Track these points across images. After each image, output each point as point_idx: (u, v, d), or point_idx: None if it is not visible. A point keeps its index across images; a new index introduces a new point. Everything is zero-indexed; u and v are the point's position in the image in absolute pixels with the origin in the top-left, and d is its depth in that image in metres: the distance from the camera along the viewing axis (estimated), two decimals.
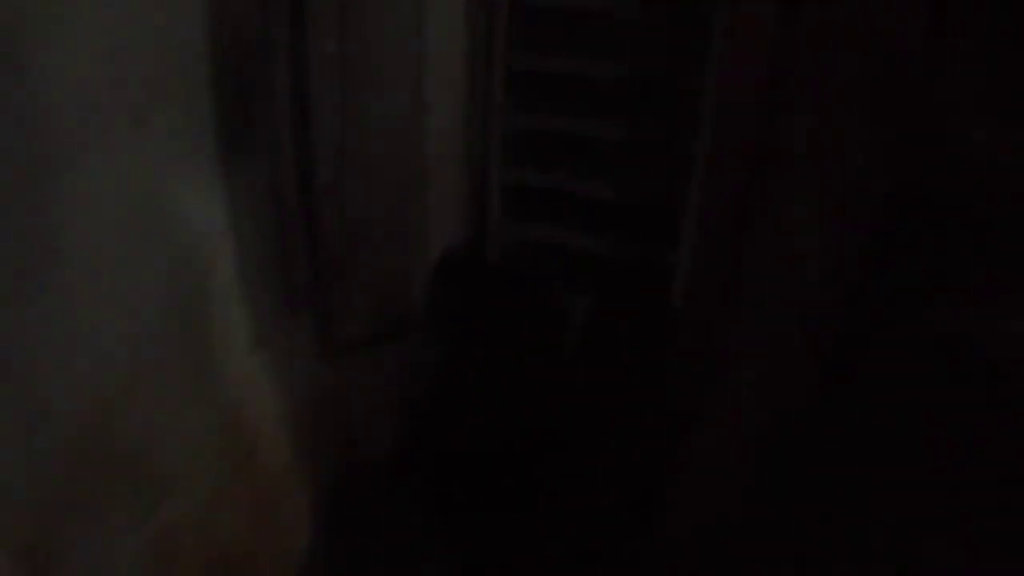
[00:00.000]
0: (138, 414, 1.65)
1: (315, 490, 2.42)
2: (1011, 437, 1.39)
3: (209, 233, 1.79)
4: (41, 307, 1.37)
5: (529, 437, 2.60)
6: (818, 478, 1.76)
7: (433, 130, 2.45)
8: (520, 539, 2.50)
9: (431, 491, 2.63)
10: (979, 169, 1.47)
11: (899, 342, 1.62)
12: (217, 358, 1.90)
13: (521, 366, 2.63)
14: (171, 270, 1.71)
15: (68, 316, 1.43)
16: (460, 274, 2.75)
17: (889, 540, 1.58)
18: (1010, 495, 1.39)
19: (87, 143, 1.40)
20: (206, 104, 1.70)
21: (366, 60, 2.04)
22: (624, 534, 2.41)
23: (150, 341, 1.65)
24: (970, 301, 1.50)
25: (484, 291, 2.84)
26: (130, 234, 1.56)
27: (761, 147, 1.95)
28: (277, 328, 2.04)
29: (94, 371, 1.52)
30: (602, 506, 2.51)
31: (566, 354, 2.77)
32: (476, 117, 2.69)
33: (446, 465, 2.66)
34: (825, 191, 1.78)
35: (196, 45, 1.64)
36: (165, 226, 1.66)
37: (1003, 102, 1.43)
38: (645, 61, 2.54)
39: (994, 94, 1.44)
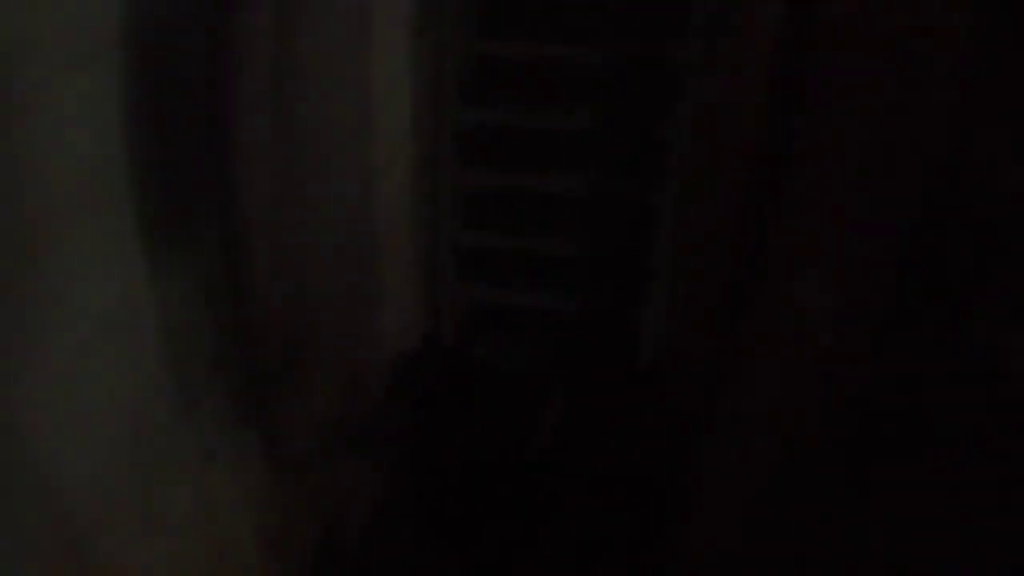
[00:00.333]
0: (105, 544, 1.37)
1: None
2: None
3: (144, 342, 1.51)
4: None
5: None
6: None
7: (382, 196, 2.22)
8: None
9: None
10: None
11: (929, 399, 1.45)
12: (166, 479, 1.61)
13: (491, 472, 2.38)
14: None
15: None
16: (421, 374, 2.50)
17: None
18: None
19: None
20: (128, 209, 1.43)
21: (306, 135, 1.79)
22: None
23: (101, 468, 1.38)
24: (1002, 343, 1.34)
25: (447, 393, 2.58)
26: None
27: (759, 220, 1.77)
28: (226, 444, 1.75)
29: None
30: None
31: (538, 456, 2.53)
32: (426, 177, 2.46)
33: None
34: (839, 261, 1.60)
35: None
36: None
37: None
38: (609, 111, 2.35)
39: None
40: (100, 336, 1.34)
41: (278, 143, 1.72)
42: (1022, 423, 1.29)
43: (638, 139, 2.32)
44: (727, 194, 1.98)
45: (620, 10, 2.24)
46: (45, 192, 1.14)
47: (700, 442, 2.08)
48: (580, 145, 2.40)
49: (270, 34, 1.63)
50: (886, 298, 1.56)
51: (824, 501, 1.61)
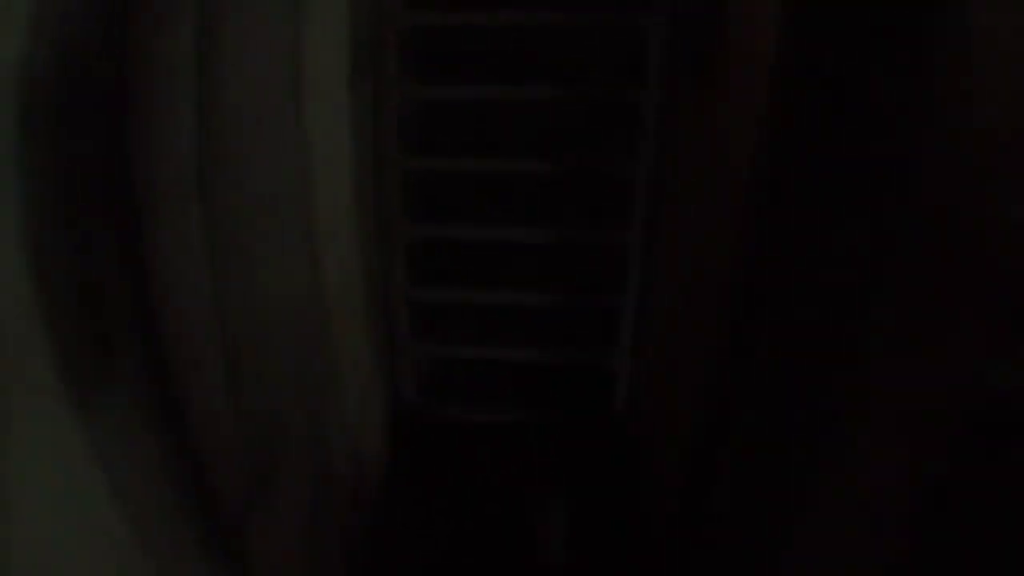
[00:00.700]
0: None
1: None
2: None
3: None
4: None
5: None
6: None
7: (331, 263, 2.02)
8: None
9: None
10: None
11: None
12: None
13: None
14: None
15: None
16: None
17: None
18: None
19: None
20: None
21: (240, 219, 1.59)
22: None
23: None
24: None
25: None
26: None
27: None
28: None
29: None
30: None
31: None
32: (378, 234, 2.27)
33: None
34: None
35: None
36: None
37: None
38: (568, 154, 2.20)
39: None
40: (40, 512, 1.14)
41: (207, 231, 1.52)
42: None
43: (601, 182, 2.19)
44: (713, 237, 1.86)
45: (575, 47, 2.09)
46: None
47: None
48: (539, 191, 2.25)
49: (191, 111, 1.42)
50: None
51: None
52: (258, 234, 1.66)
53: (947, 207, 1.16)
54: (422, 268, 2.35)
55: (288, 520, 1.74)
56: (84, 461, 1.26)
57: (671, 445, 2.04)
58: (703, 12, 1.88)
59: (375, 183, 2.23)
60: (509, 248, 2.30)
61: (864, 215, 1.34)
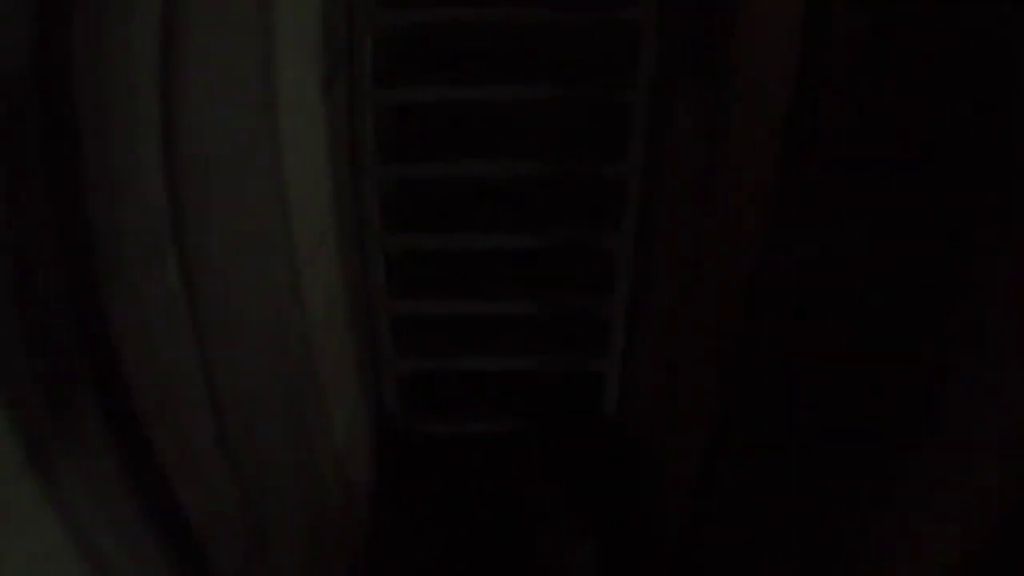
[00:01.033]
0: None
1: None
2: None
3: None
4: None
5: None
6: None
7: (313, 285, 1.92)
8: None
9: None
10: None
11: None
12: None
13: None
14: None
15: None
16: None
17: None
18: None
19: None
20: None
21: (213, 268, 1.47)
22: None
23: None
24: None
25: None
26: None
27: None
28: None
29: None
30: None
31: None
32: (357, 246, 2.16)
33: None
34: None
35: None
36: None
37: None
38: (555, 155, 2.10)
39: None
40: None
41: (184, 281, 1.40)
42: None
43: (589, 183, 2.10)
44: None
45: (562, 45, 1.99)
46: None
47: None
48: (524, 196, 2.16)
49: (156, 141, 1.29)
50: None
51: None
52: (238, 275, 1.56)
53: None
54: (403, 278, 2.25)
55: (286, 565, 1.66)
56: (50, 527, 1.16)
57: (674, 446, 1.99)
58: (700, 8, 1.79)
59: (352, 192, 2.12)
60: (494, 254, 2.21)
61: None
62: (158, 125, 1.26)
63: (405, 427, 2.39)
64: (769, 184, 1.58)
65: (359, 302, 2.23)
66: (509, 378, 2.37)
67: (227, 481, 1.43)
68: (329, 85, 2.02)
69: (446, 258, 2.22)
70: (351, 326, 2.24)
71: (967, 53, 1.16)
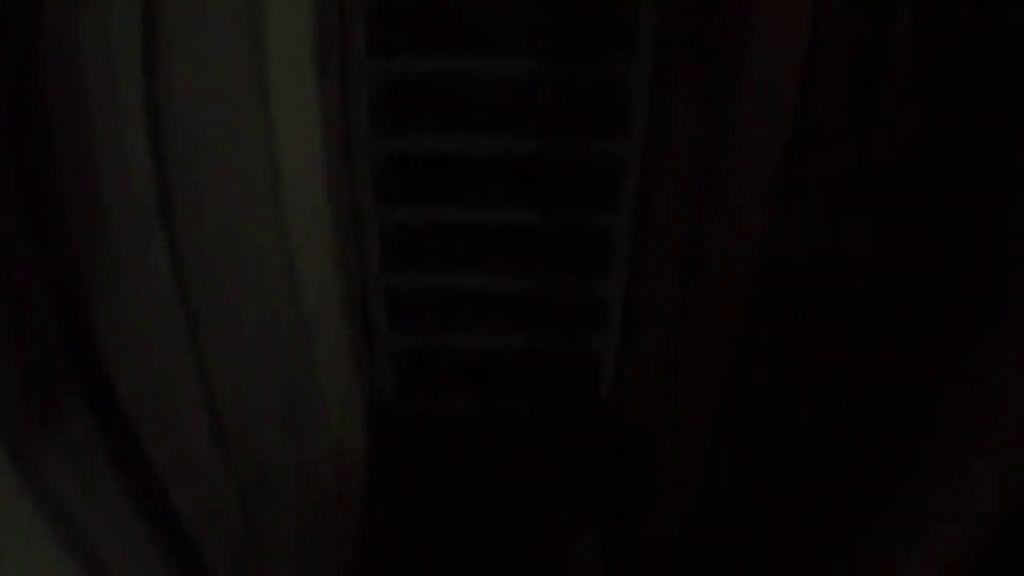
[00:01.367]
0: None
1: None
2: None
3: None
4: None
5: None
6: None
7: (307, 268, 1.88)
8: None
9: None
10: None
11: None
12: None
13: None
14: None
15: None
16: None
17: None
18: None
19: None
20: None
21: (206, 250, 1.43)
22: None
23: None
24: None
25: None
26: None
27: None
28: None
29: None
30: None
31: None
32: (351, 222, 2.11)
33: None
34: None
35: None
36: None
37: None
38: (551, 130, 2.05)
39: None
40: None
41: (176, 273, 1.35)
42: None
43: (586, 161, 2.05)
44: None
45: (555, 21, 1.93)
46: None
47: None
48: (520, 172, 2.11)
49: (142, 126, 1.24)
50: None
51: None
52: (230, 263, 1.51)
53: None
54: (397, 254, 2.21)
55: (281, 557, 1.64)
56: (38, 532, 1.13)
57: (674, 446, 1.98)
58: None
59: (345, 167, 2.07)
60: (489, 229, 2.17)
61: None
62: (141, 105, 1.21)
63: (399, 407, 2.36)
64: (772, 184, 1.55)
65: (353, 280, 2.19)
66: (504, 357, 2.34)
67: (223, 478, 1.40)
68: (323, 60, 1.96)
69: (441, 233, 2.18)
70: (345, 305, 2.20)
71: (970, 53, 1.13)
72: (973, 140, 1.13)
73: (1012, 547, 1.17)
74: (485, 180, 2.07)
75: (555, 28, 1.92)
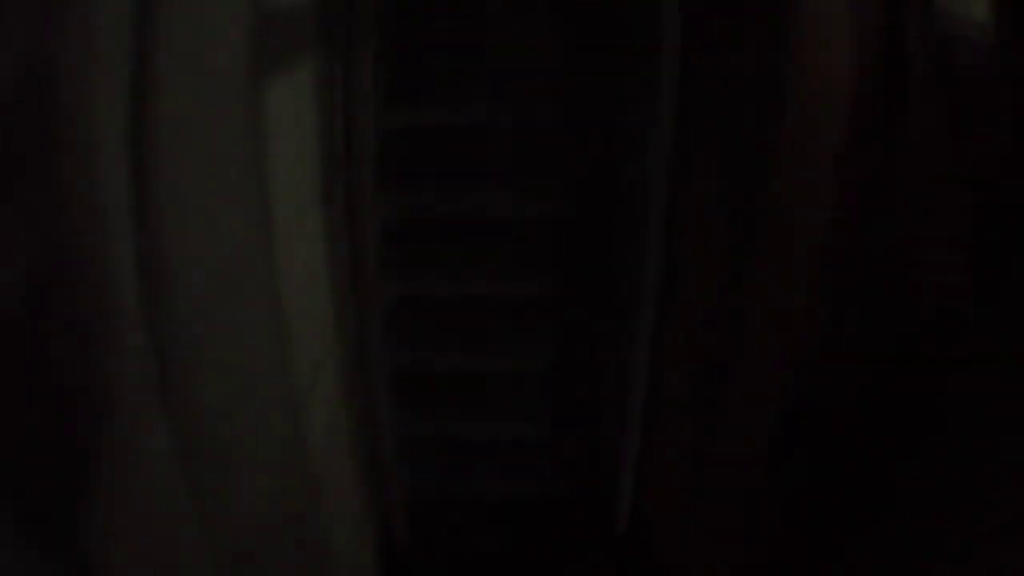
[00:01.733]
0: None
1: None
2: None
3: None
4: None
5: None
6: None
7: (314, 415, 1.80)
8: None
9: None
10: None
11: None
12: None
13: None
14: None
15: None
16: None
17: None
18: None
19: None
20: None
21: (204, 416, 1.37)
22: None
23: None
24: None
25: None
26: None
27: None
28: None
29: None
30: None
31: None
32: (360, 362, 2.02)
33: None
34: None
35: None
36: None
37: None
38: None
39: None
40: None
41: (176, 434, 1.28)
42: None
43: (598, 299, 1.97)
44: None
45: (574, 152, 1.87)
46: None
47: None
48: (533, 314, 2.02)
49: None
50: None
51: None
52: (234, 422, 1.43)
53: None
54: (407, 398, 2.13)
55: None
56: None
57: None
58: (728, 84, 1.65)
59: (354, 308, 2.00)
60: (502, 375, 2.09)
61: None
62: (132, 259, 1.15)
63: (410, 551, 2.24)
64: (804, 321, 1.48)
65: (362, 424, 2.10)
66: (518, 501, 2.24)
67: None
68: (328, 195, 1.90)
69: (454, 379, 2.10)
70: (354, 450, 2.11)
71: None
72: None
73: None
74: (500, 323, 1.99)
75: (572, 161, 1.86)
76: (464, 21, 1.71)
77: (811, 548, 1.50)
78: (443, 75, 1.79)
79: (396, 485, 2.02)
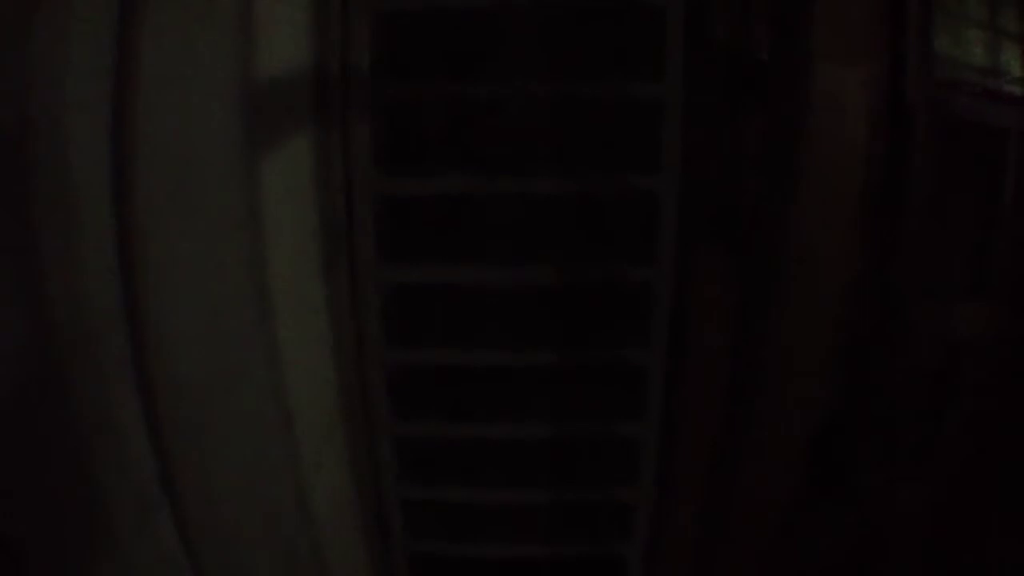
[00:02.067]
0: None
1: None
2: None
3: None
4: None
5: None
6: None
7: (320, 488, 1.73)
8: None
9: None
10: None
11: None
12: None
13: None
14: None
15: None
16: None
17: None
18: None
19: None
20: None
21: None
22: None
23: None
24: None
25: None
26: None
27: None
28: None
29: None
30: None
31: None
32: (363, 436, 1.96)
33: None
34: None
35: None
36: None
37: None
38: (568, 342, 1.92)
39: None
40: None
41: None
42: None
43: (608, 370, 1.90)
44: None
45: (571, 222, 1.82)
46: None
47: None
48: (541, 387, 1.96)
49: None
50: None
51: None
52: (240, 515, 1.37)
53: None
54: (413, 465, 2.06)
55: None
56: None
57: None
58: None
59: (357, 379, 1.93)
60: (510, 445, 2.03)
61: None
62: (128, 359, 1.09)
63: None
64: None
65: (368, 493, 2.04)
66: (528, 565, 2.16)
67: None
68: (329, 268, 1.86)
69: (459, 446, 2.03)
70: (360, 518, 2.04)
71: None
72: None
73: None
74: (504, 392, 1.93)
75: (571, 231, 1.82)
76: (463, 87, 1.66)
77: None
78: (441, 143, 1.73)
79: (402, 550, 1.91)
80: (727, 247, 1.70)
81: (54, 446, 0.95)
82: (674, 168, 1.55)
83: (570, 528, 2.12)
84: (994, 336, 1.58)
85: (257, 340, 1.52)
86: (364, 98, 1.64)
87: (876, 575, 1.42)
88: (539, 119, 1.77)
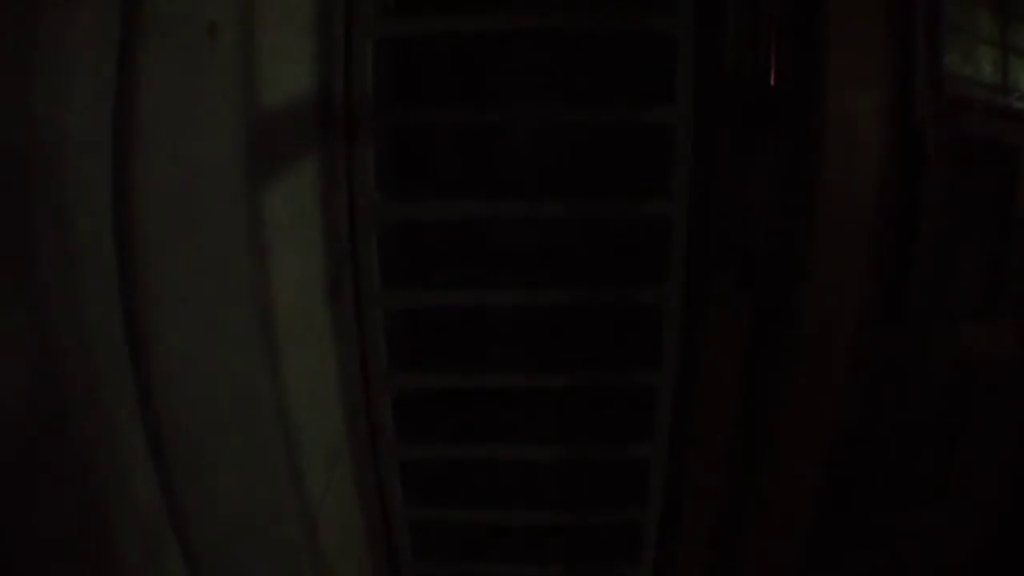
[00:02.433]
0: None
1: None
2: None
3: None
4: None
5: None
6: None
7: (329, 517, 1.71)
8: None
9: None
10: None
11: None
12: None
13: None
14: None
15: None
16: None
17: None
18: None
19: None
20: None
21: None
22: None
23: None
24: None
25: None
26: None
27: None
28: None
29: None
30: None
31: None
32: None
33: None
34: None
35: None
36: None
37: None
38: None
39: None
40: None
41: None
42: None
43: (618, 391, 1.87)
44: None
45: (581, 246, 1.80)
46: None
47: None
48: (548, 406, 1.94)
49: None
50: None
51: None
52: (248, 545, 1.34)
53: None
54: (419, 489, 2.04)
55: None
56: None
57: None
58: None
59: (363, 404, 1.91)
60: (516, 466, 2.00)
61: None
62: (134, 400, 1.06)
63: None
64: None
65: (375, 517, 2.01)
66: None
67: None
68: (335, 292, 1.84)
69: (465, 470, 2.01)
70: (368, 542, 2.02)
71: None
72: None
73: None
74: (511, 415, 1.91)
75: (582, 254, 1.80)
76: (469, 111, 1.64)
77: None
78: (448, 167, 1.71)
79: (410, 573, 1.88)
80: (739, 270, 1.68)
81: (58, 481, 0.93)
82: (685, 192, 1.54)
83: (578, 549, 2.09)
84: (1010, 356, 1.57)
85: (263, 368, 1.49)
86: (368, 123, 1.63)
87: None
88: (546, 143, 1.76)
